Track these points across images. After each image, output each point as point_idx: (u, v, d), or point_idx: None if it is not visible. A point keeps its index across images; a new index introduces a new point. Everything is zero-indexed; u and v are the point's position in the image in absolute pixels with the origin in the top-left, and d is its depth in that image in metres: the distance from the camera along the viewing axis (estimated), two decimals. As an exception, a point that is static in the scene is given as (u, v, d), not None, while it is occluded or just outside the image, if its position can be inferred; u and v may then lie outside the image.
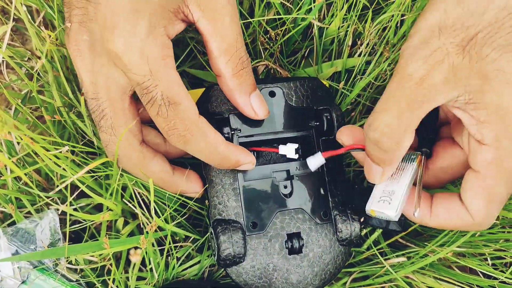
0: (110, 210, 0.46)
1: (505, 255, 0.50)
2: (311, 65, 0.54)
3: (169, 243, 0.45)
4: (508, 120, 0.35)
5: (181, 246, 0.49)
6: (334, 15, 0.50)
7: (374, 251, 0.50)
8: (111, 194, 0.45)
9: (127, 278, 0.47)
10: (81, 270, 0.48)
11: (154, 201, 0.46)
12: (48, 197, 0.46)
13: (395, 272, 0.48)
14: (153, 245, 0.46)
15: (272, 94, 0.46)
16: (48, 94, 0.47)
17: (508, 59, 0.33)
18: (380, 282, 0.51)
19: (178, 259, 0.49)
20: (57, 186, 0.49)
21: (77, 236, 0.52)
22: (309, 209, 0.45)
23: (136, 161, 0.41)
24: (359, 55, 0.51)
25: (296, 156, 0.45)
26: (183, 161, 0.50)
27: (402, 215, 0.47)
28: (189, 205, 0.46)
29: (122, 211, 0.48)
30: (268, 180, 0.45)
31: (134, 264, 0.45)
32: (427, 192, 0.42)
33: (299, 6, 0.50)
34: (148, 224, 0.44)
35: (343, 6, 0.48)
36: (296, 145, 0.45)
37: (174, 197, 0.45)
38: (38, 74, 0.48)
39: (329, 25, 0.51)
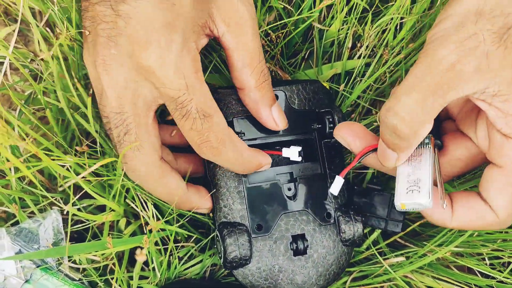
0: (113, 210, 0.46)
1: (502, 255, 0.51)
2: (311, 67, 0.54)
3: (172, 242, 0.45)
4: None
5: (182, 246, 0.49)
6: (334, 17, 0.50)
7: (373, 251, 0.50)
8: (113, 196, 0.45)
9: (130, 277, 0.48)
10: (84, 269, 0.48)
11: (155, 203, 0.46)
12: (51, 197, 0.46)
13: (394, 271, 0.49)
14: (157, 244, 0.46)
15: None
16: (52, 96, 0.48)
17: None
18: (379, 282, 0.51)
19: (180, 258, 0.49)
20: (61, 186, 0.50)
21: (79, 236, 0.53)
22: (312, 211, 0.46)
23: (156, 177, 0.41)
24: (359, 57, 0.52)
25: (300, 159, 0.45)
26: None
27: (403, 218, 0.48)
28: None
29: (124, 212, 0.49)
30: (272, 182, 0.45)
31: (137, 264, 0.46)
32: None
33: (300, 8, 0.50)
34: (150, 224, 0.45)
35: (343, 8, 0.49)
36: (299, 148, 0.45)
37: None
38: (41, 73, 0.48)
39: (329, 27, 0.52)
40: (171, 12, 0.36)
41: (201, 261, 0.49)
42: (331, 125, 0.46)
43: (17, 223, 0.49)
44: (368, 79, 0.48)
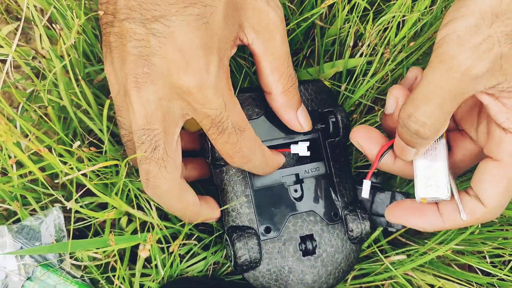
0: (115, 208, 0.47)
1: (503, 253, 0.51)
2: (312, 66, 0.54)
3: (176, 239, 0.45)
4: None
5: (184, 244, 0.49)
6: (336, 16, 0.50)
7: (374, 248, 0.51)
8: (116, 194, 0.45)
9: (131, 274, 0.48)
10: (85, 267, 0.48)
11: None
12: (54, 194, 0.46)
13: (395, 269, 0.49)
14: (160, 242, 0.46)
15: None
16: (54, 93, 0.48)
17: None
18: (380, 279, 0.51)
19: (182, 256, 0.49)
20: (63, 182, 0.50)
21: (81, 234, 0.53)
22: (320, 211, 0.46)
23: (175, 194, 0.41)
24: (360, 56, 0.52)
25: (308, 153, 0.45)
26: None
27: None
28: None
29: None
30: (279, 184, 0.46)
31: (139, 261, 0.46)
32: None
33: (302, 6, 0.51)
34: (152, 223, 0.45)
35: (344, 7, 0.49)
36: (307, 143, 0.45)
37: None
38: (44, 70, 0.48)
39: (331, 25, 0.52)
40: (206, 31, 0.35)
41: (204, 258, 0.49)
42: (335, 125, 0.46)
43: (18, 220, 0.49)
44: (371, 79, 0.48)
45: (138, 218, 0.46)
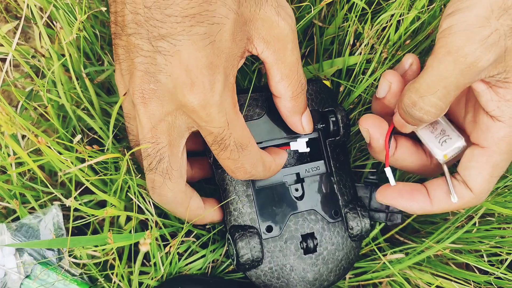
0: (114, 205, 0.47)
1: (500, 252, 0.51)
2: (311, 64, 0.55)
3: (173, 237, 0.46)
4: None
5: (182, 241, 0.50)
6: (334, 15, 0.51)
7: (372, 246, 0.51)
8: (115, 192, 0.45)
9: (130, 272, 0.48)
10: (84, 265, 0.48)
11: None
12: (54, 191, 0.46)
13: (393, 267, 0.49)
14: (156, 239, 0.46)
15: None
16: (54, 92, 0.48)
17: None
18: (378, 277, 0.52)
19: (180, 254, 0.49)
20: (62, 180, 0.50)
21: (79, 232, 0.53)
22: (320, 209, 0.46)
23: (180, 200, 0.42)
24: (359, 54, 0.52)
25: (308, 150, 0.46)
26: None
27: (400, 211, 0.49)
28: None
29: (125, 208, 0.49)
30: (280, 184, 0.46)
31: (138, 258, 0.46)
32: (418, 184, 0.43)
33: (301, 8, 0.51)
34: (152, 221, 0.45)
35: (343, 6, 0.49)
36: (306, 139, 0.46)
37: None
38: (43, 68, 0.49)
39: (329, 25, 0.52)
40: (212, 50, 0.35)
41: (202, 256, 0.49)
42: (335, 124, 0.46)
43: (17, 218, 0.49)
44: (369, 78, 0.49)
45: (137, 216, 0.46)
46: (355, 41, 0.53)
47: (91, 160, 0.39)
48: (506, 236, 0.50)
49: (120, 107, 0.43)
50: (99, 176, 0.44)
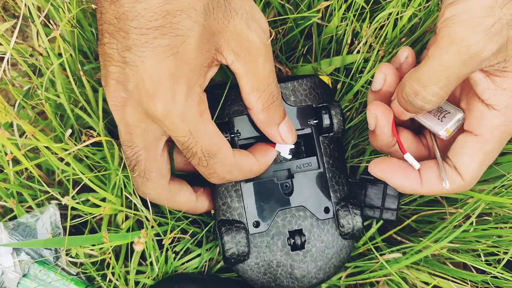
0: (112, 203, 0.47)
1: (498, 251, 0.51)
2: (310, 62, 0.55)
3: (169, 236, 0.46)
4: None
5: (179, 240, 0.50)
6: (333, 15, 0.51)
7: (369, 246, 0.51)
8: (112, 189, 0.45)
9: (127, 272, 0.48)
10: (81, 264, 0.48)
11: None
12: (50, 191, 0.46)
13: (390, 267, 0.49)
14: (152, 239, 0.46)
15: None
16: (51, 90, 0.48)
17: None
18: (375, 277, 0.52)
19: (176, 253, 0.49)
20: (59, 179, 0.50)
21: (77, 231, 0.53)
22: (310, 206, 0.46)
23: (166, 197, 0.44)
24: (357, 53, 0.52)
25: (289, 157, 0.46)
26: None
27: (397, 206, 0.49)
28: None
29: (122, 206, 0.49)
30: (269, 180, 0.46)
31: (134, 257, 0.46)
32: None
33: (300, 8, 0.51)
34: (147, 220, 0.45)
35: (341, 5, 0.49)
36: (292, 146, 0.45)
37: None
38: (40, 70, 0.48)
39: (328, 23, 0.52)
40: (175, 61, 0.36)
41: (198, 255, 0.49)
42: (328, 120, 0.46)
43: (14, 217, 0.49)
44: (366, 75, 0.49)
45: (134, 214, 0.46)
46: (353, 39, 0.53)
47: (89, 162, 0.39)
48: (503, 236, 0.50)
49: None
50: (94, 173, 0.44)
